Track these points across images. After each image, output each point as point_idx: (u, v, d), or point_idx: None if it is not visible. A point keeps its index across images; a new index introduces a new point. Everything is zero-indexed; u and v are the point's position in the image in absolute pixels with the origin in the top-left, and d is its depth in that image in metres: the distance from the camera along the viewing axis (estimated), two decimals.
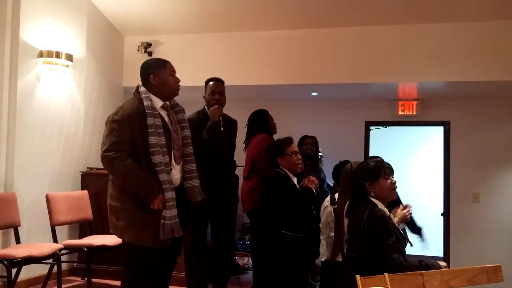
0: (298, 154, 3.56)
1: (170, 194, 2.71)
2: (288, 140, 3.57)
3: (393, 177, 2.76)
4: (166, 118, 2.85)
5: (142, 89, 2.81)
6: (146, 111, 2.71)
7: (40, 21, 4.58)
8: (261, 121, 4.35)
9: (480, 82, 5.21)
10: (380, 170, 2.72)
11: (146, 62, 2.93)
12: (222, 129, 3.77)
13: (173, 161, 2.82)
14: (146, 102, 2.73)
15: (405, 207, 3.08)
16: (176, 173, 2.84)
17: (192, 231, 3.76)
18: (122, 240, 2.82)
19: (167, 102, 2.89)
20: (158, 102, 2.82)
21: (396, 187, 2.79)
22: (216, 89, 3.84)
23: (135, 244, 2.71)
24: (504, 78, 5.07)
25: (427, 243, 4.07)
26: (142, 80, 2.87)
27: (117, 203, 2.74)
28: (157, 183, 2.68)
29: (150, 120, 2.70)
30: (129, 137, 2.68)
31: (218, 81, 3.91)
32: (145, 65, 2.90)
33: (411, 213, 3.12)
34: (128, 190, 2.70)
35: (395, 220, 2.85)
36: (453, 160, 6.31)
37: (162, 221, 2.67)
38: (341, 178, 3.49)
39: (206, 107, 3.90)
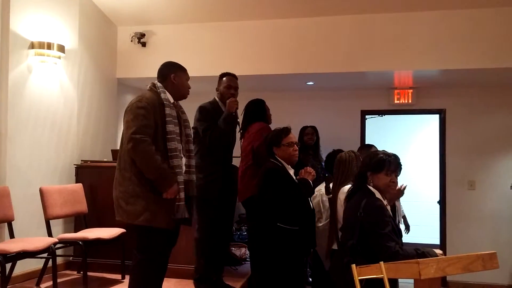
0: (295, 145, 3.45)
1: (181, 178, 2.99)
2: (286, 131, 3.47)
3: (396, 176, 2.76)
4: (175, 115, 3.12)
5: (159, 84, 3.10)
6: (164, 102, 3.00)
7: (31, 12, 4.51)
8: (258, 111, 4.30)
9: (475, 70, 5.19)
10: (385, 164, 2.72)
11: (169, 62, 3.23)
12: (238, 120, 3.96)
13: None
14: (163, 95, 3.03)
15: None
16: (182, 164, 3.10)
17: (202, 220, 3.88)
18: (134, 225, 2.91)
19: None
20: (171, 99, 3.10)
21: (395, 187, 2.82)
22: (232, 84, 4.02)
23: (149, 226, 2.87)
24: (499, 66, 5.05)
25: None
26: (161, 76, 3.16)
27: (128, 187, 2.87)
28: (172, 173, 2.91)
29: (167, 110, 2.99)
30: (153, 123, 2.90)
31: (234, 76, 4.08)
32: (168, 64, 3.20)
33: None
34: (143, 175, 2.85)
35: (386, 201, 2.85)
36: (449, 148, 6.31)
37: (177, 203, 2.95)
38: (335, 167, 3.46)
39: (218, 99, 4.02)
